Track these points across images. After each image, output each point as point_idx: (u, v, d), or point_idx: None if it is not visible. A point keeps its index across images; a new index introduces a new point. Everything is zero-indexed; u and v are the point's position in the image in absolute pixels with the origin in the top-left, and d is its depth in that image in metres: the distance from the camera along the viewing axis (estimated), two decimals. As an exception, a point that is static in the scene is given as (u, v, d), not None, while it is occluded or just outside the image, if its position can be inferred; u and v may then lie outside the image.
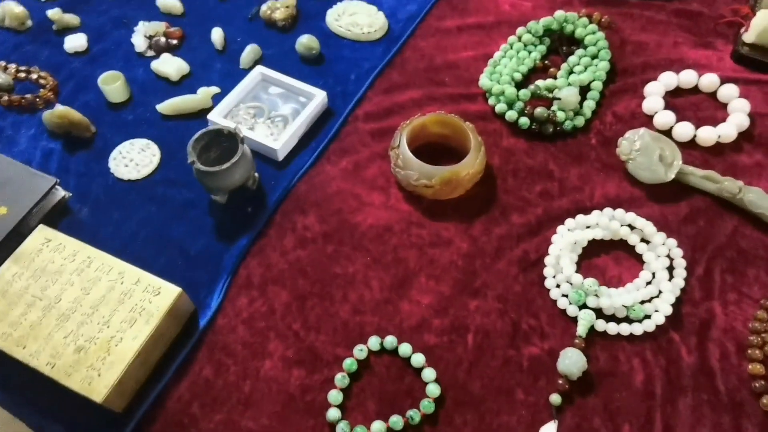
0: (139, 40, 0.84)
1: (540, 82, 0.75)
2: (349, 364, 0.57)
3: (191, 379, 0.57)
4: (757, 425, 0.53)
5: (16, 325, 0.55)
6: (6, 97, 0.77)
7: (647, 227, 0.63)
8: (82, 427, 0.55)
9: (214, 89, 0.78)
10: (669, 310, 0.58)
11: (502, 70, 0.79)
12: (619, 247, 0.64)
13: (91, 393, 0.51)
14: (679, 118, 0.73)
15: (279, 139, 0.71)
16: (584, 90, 0.77)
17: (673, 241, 0.63)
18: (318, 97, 0.75)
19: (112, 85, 0.76)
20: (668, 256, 0.62)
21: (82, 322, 0.55)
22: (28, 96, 0.77)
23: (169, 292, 0.57)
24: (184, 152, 0.67)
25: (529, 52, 0.81)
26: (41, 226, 0.61)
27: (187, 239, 0.66)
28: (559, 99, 0.73)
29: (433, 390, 0.55)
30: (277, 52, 0.84)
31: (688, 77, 0.76)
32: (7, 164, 0.68)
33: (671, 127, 0.72)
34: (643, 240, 0.64)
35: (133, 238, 0.66)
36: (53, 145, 0.74)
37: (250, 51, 0.82)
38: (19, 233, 0.63)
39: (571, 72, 0.78)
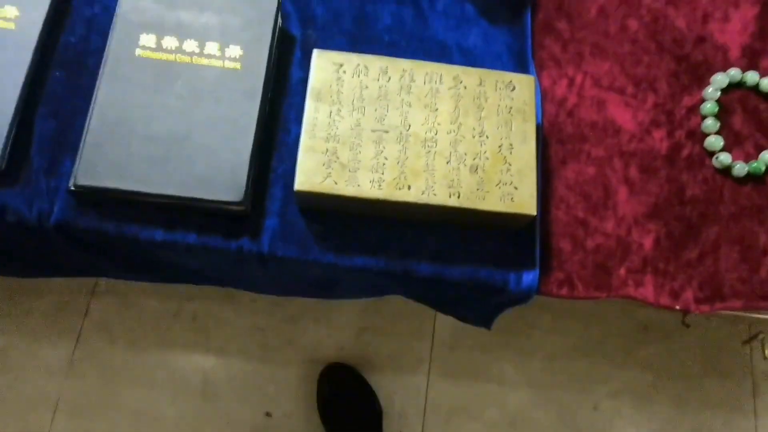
0: None
1: None
2: None
3: (558, 176, 0.50)
4: None
5: (380, 167, 0.43)
6: None
7: None
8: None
9: None
10: None
11: None
12: None
13: (522, 208, 0.43)
14: None
15: None
16: None
17: None
18: None
19: None
20: None
21: (454, 141, 0.45)
22: None
23: (525, 82, 0.47)
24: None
25: None
26: (318, 51, 0.46)
27: None
28: None
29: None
30: None
31: None
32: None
33: None
34: None
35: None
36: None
37: None
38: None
39: None
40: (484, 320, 0.55)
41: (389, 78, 0.46)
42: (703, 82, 0.54)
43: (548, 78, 0.53)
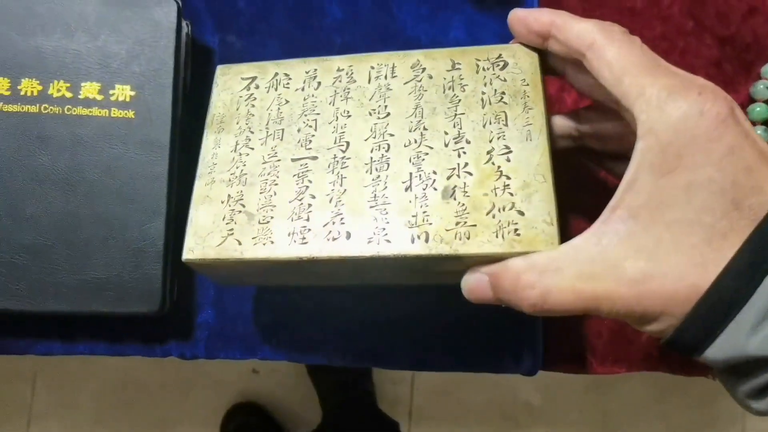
0: None
1: None
2: None
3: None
4: None
5: (304, 211, 0.30)
6: None
7: None
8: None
9: None
10: None
11: None
12: None
13: (534, 244, 0.28)
14: None
15: None
16: None
17: None
18: None
19: None
20: None
21: (416, 156, 0.31)
22: None
23: (522, 53, 0.32)
24: None
25: None
26: (222, 68, 0.32)
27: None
28: None
29: None
30: None
31: None
32: None
33: None
34: None
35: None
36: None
37: None
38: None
39: None
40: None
41: (318, 84, 0.32)
42: (752, 72, 0.42)
43: (554, 80, 0.40)
